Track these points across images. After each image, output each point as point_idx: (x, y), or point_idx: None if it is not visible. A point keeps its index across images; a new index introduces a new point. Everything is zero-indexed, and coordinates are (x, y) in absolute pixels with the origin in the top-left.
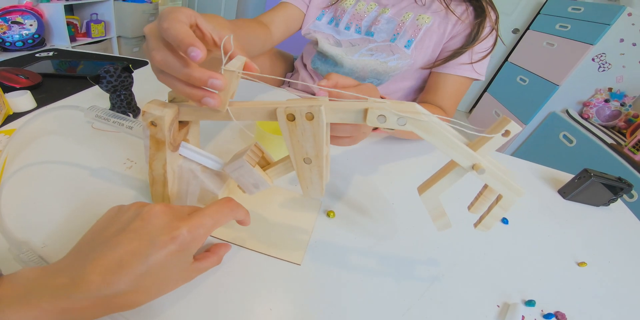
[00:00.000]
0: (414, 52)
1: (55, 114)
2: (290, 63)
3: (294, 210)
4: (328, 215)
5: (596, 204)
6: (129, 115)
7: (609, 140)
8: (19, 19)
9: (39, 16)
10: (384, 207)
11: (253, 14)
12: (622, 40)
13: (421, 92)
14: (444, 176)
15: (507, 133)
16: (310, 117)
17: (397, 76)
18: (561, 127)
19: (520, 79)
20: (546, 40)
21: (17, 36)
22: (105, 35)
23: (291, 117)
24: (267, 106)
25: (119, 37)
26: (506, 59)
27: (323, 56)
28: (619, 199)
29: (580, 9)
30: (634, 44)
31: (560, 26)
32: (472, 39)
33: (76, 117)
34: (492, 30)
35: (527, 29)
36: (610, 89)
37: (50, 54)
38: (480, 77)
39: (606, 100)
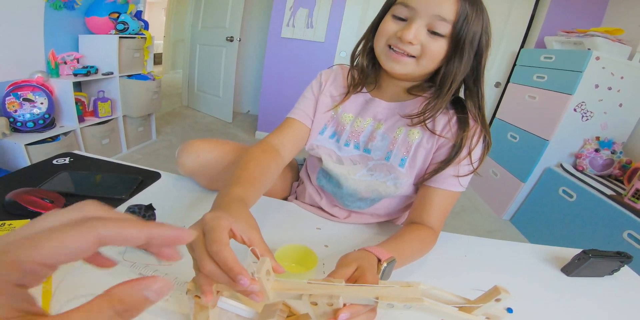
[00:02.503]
0: (408, 171)
1: None
2: (295, 171)
3: None
4: None
5: (601, 275)
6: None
7: (608, 192)
8: (30, 95)
9: (49, 93)
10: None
11: (250, 84)
12: (597, 86)
13: (407, 206)
14: None
15: (498, 300)
16: (330, 304)
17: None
18: (559, 182)
19: (511, 135)
20: (527, 93)
21: (29, 115)
22: (111, 115)
23: (314, 303)
24: (294, 293)
25: (124, 116)
26: (494, 116)
27: (327, 174)
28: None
29: (551, 58)
30: (609, 88)
31: (538, 77)
32: (454, 153)
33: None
34: (474, 148)
35: (507, 82)
36: (597, 138)
37: (67, 161)
38: (462, 190)
39: (596, 150)
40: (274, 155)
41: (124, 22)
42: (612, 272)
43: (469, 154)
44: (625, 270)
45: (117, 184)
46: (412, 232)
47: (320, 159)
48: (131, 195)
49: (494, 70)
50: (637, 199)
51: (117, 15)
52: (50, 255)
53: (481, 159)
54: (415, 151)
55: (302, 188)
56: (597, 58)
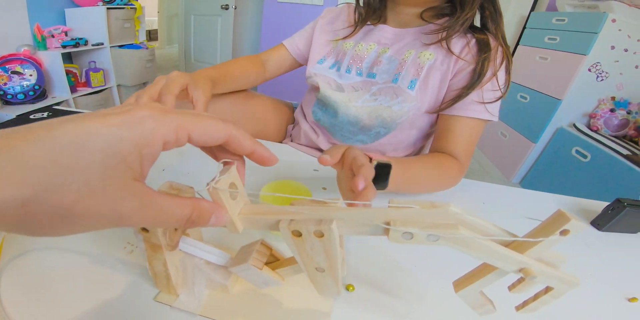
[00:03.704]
0: (419, 94)
1: None
2: (291, 113)
3: (310, 289)
4: (347, 289)
5: (634, 231)
6: None
7: (624, 151)
8: (18, 68)
9: (37, 65)
10: (404, 277)
11: (249, 53)
12: (613, 47)
13: (429, 138)
14: (484, 276)
15: (565, 232)
16: (320, 235)
17: (405, 123)
18: (572, 142)
19: (521, 96)
20: (538, 54)
21: (19, 88)
22: (105, 84)
23: (297, 233)
24: (269, 217)
25: (118, 85)
26: None
27: (324, 105)
28: None
29: (564, 20)
30: (626, 50)
31: (549, 39)
32: (476, 77)
33: None
34: (500, 68)
35: (517, 44)
36: (613, 98)
37: (45, 115)
38: (493, 118)
39: (612, 110)
40: (258, 65)
41: None
42: None
43: (494, 75)
44: None
45: None
46: (431, 156)
47: (318, 88)
48: None
49: None
50: None
51: None
52: (201, 132)
53: (507, 83)
54: (427, 73)
55: (298, 129)
56: (614, 20)
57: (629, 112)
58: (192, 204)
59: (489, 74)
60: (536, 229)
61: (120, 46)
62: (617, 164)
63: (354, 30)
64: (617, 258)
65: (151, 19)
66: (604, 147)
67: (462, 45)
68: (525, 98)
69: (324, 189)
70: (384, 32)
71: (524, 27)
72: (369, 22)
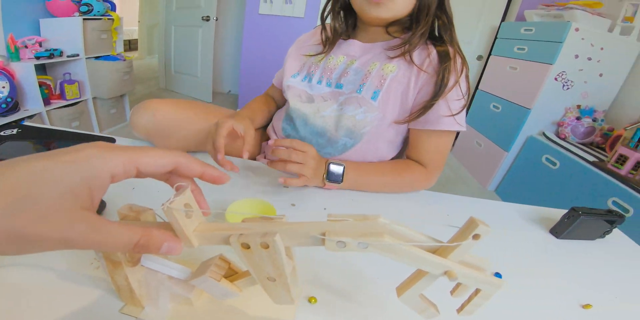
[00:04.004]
0: (381, 104)
1: None
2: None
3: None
4: (309, 301)
5: (591, 237)
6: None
7: (591, 159)
8: None
9: (10, 77)
10: (369, 287)
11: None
12: (577, 56)
13: (400, 151)
14: (419, 280)
15: (476, 237)
16: (265, 246)
17: (370, 134)
18: (542, 150)
19: (494, 106)
20: (509, 64)
21: None
22: (80, 97)
23: (246, 246)
24: (221, 233)
25: (94, 98)
26: (477, 88)
27: (292, 120)
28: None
29: (531, 30)
30: (589, 59)
31: (518, 49)
32: (439, 87)
33: None
34: (460, 76)
35: (490, 54)
36: (578, 106)
37: (14, 131)
38: (462, 128)
39: (578, 118)
40: (270, 99)
41: (87, 4)
42: (603, 235)
43: (456, 83)
44: (617, 232)
45: None
46: (396, 162)
47: (288, 103)
48: None
49: (475, 43)
50: (621, 164)
51: None
52: (147, 163)
53: (468, 90)
54: (390, 85)
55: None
56: (577, 29)
57: (594, 120)
58: (141, 231)
59: (451, 82)
60: (455, 235)
61: (97, 57)
62: (584, 170)
63: (323, 50)
64: (573, 265)
65: (131, 28)
66: (571, 155)
67: (424, 58)
68: (498, 108)
69: (293, 205)
70: (353, 46)
71: (496, 37)
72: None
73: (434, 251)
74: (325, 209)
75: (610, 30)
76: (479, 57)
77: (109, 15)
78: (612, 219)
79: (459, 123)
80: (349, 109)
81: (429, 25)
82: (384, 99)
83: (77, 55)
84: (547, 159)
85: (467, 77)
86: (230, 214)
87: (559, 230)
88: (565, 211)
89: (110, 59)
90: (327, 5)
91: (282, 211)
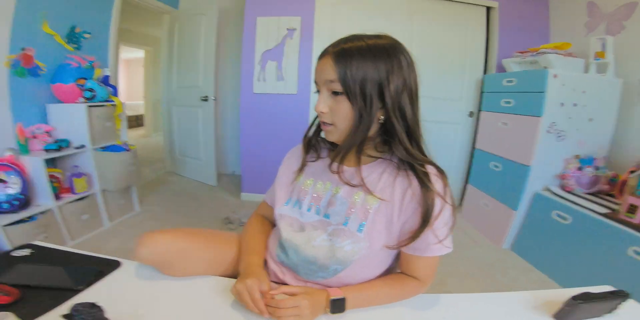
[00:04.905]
0: (367, 236)
1: None
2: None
3: None
4: None
5: (598, 315)
6: None
7: (602, 210)
8: (2, 175)
9: (20, 172)
10: None
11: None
12: (562, 104)
13: (394, 261)
14: None
15: None
16: None
17: (360, 260)
18: (551, 206)
19: (493, 165)
20: (499, 119)
21: (4, 197)
22: (88, 190)
23: None
24: None
25: (103, 190)
26: (473, 146)
27: (285, 248)
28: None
29: (512, 81)
30: (575, 105)
31: (505, 102)
32: (426, 218)
33: None
34: (445, 197)
35: (479, 110)
36: (577, 156)
37: (27, 252)
38: (449, 251)
39: (579, 168)
40: (264, 219)
41: (90, 89)
42: (610, 311)
43: (441, 212)
44: (629, 303)
45: (75, 275)
46: (391, 278)
47: (281, 232)
48: (89, 285)
49: (464, 99)
50: (632, 213)
51: (83, 81)
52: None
53: (454, 211)
54: (374, 217)
55: (266, 268)
56: (555, 76)
57: (596, 168)
58: None
59: (436, 212)
60: None
61: (103, 148)
62: (598, 223)
63: (301, 168)
64: None
65: (138, 103)
66: (581, 209)
67: (404, 189)
68: (498, 166)
69: None
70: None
71: (482, 91)
72: (324, 155)
73: None
74: None
75: (586, 70)
76: (471, 114)
77: (111, 100)
78: (616, 299)
79: (447, 246)
80: (337, 241)
81: (404, 148)
82: (369, 230)
83: (84, 146)
84: (557, 215)
85: (450, 195)
86: None
87: (561, 317)
88: (571, 291)
89: (116, 148)
90: (311, 124)
91: None
